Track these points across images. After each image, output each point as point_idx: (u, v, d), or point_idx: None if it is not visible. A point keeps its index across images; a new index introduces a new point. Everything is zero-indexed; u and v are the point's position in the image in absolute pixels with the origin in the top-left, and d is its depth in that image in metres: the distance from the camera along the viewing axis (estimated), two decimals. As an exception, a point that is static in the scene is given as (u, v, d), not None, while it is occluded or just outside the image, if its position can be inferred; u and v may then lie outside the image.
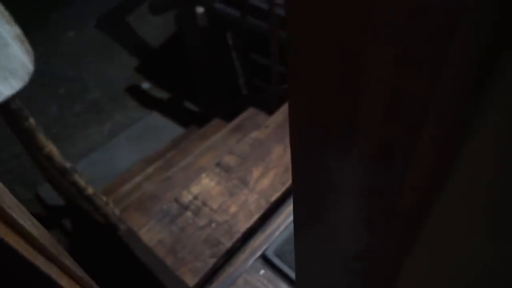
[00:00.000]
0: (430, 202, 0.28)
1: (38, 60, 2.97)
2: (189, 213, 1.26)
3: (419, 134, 0.22)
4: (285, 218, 1.26)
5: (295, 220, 0.40)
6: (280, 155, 1.39)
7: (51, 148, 1.01)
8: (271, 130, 1.47)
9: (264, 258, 1.17)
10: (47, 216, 2.12)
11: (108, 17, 3.30)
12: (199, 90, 2.44)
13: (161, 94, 2.67)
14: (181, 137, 2.18)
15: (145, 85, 2.72)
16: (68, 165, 1.06)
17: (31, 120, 0.97)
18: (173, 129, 2.38)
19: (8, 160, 2.38)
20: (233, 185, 1.32)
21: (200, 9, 1.91)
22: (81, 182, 1.08)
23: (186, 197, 1.31)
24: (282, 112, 1.51)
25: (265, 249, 1.18)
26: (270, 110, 1.79)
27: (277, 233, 1.22)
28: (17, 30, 0.82)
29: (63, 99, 2.68)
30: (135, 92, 2.68)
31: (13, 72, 0.77)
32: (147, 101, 2.62)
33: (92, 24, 3.22)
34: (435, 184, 0.27)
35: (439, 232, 0.32)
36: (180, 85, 2.62)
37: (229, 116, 2.07)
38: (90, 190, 1.10)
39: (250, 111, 1.82)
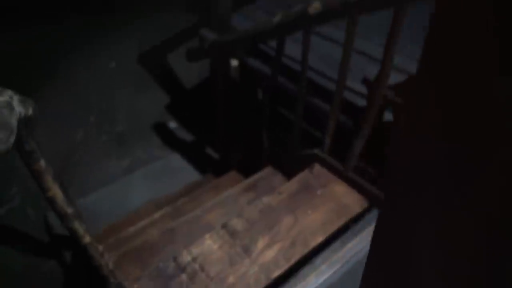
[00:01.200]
0: None
1: (77, 87, 3.09)
2: (184, 277, 1.19)
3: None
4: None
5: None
6: (289, 227, 1.32)
7: (55, 192, 1.00)
8: (284, 198, 1.41)
9: None
10: (50, 243, 2.10)
11: (149, 52, 3.44)
12: (221, 136, 2.44)
13: (185, 136, 2.69)
14: (196, 183, 2.16)
15: (172, 125, 2.75)
16: (70, 210, 1.04)
17: (42, 162, 0.97)
18: (190, 173, 2.37)
19: (26, 179, 2.42)
20: (235, 253, 1.25)
21: (234, 62, 1.95)
22: (80, 230, 1.06)
23: (185, 257, 1.25)
24: (298, 181, 1.45)
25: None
26: (287, 171, 1.74)
27: (273, 314, 1.13)
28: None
29: (92, 126, 2.74)
30: (161, 130, 2.72)
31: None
32: (170, 141, 2.64)
33: (134, 58, 3.35)
34: None
35: None
36: (205, 129, 2.63)
37: (246, 169, 2.03)
38: (87, 239, 1.07)
39: (267, 171, 1.78)
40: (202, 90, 2.81)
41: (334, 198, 1.43)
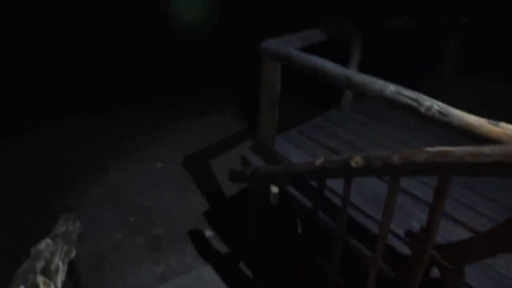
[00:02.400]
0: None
1: (123, 186, 3.21)
2: None
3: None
4: None
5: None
6: None
7: None
8: None
9: None
10: None
11: (194, 155, 3.61)
12: (253, 255, 2.40)
13: (220, 246, 2.66)
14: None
15: (208, 233, 2.76)
16: None
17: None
18: (220, 289, 2.29)
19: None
20: None
21: (274, 189, 1.98)
22: None
23: None
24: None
25: None
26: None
27: None
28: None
29: (130, 227, 2.80)
30: (196, 237, 2.72)
31: None
32: (205, 251, 2.62)
33: (180, 161, 3.53)
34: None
35: None
36: (239, 243, 2.60)
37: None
38: None
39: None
40: (241, 201, 2.84)
41: None
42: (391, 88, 1.27)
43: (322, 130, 2.43)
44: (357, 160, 1.31)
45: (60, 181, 3.17)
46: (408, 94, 1.23)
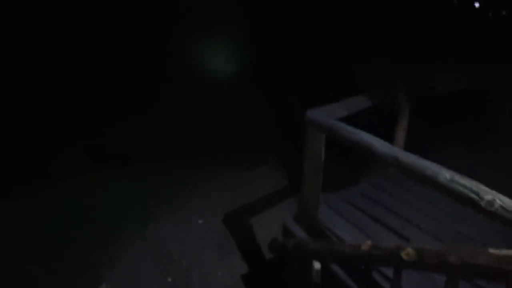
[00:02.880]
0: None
1: (162, 243, 3.18)
2: None
3: None
4: None
5: None
6: None
7: None
8: None
9: None
10: None
11: (235, 213, 3.57)
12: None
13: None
14: None
15: (245, 301, 2.64)
16: None
17: None
18: None
19: None
20: None
21: (317, 265, 1.86)
22: None
23: None
24: None
25: None
26: None
27: None
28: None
29: (167, 288, 2.76)
30: (233, 304, 2.61)
31: None
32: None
33: (220, 217, 3.50)
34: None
35: None
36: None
37: None
38: None
39: None
40: (279, 266, 2.72)
41: None
42: (445, 175, 1.17)
43: (369, 198, 2.31)
44: (408, 252, 1.20)
45: (97, 235, 3.23)
46: (466, 184, 1.12)
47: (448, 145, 3.58)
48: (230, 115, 5.51)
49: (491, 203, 1.05)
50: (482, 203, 1.07)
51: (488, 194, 1.07)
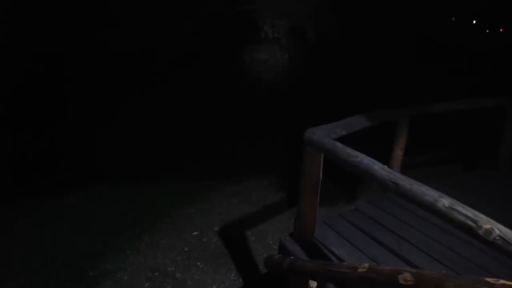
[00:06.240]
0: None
1: (157, 255, 3.16)
2: None
3: None
4: None
5: None
6: None
7: None
8: None
9: None
10: None
11: (231, 226, 3.56)
12: None
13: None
14: None
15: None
16: None
17: None
18: None
19: None
20: None
21: (313, 283, 1.86)
22: None
23: None
24: None
25: None
26: None
27: None
28: None
29: (161, 300, 2.73)
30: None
31: None
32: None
33: (215, 229, 3.49)
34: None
35: None
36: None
37: None
38: None
39: None
40: (275, 281, 2.71)
41: None
42: (444, 203, 1.18)
43: (366, 216, 2.31)
44: (406, 277, 1.21)
45: (91, 247, 3.20)
46: (464, 212, 1.13)
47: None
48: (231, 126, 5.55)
49: (489, 232, 1.06)
50: (480, 232, 1.08)
51: (486, 223, 1.07)
